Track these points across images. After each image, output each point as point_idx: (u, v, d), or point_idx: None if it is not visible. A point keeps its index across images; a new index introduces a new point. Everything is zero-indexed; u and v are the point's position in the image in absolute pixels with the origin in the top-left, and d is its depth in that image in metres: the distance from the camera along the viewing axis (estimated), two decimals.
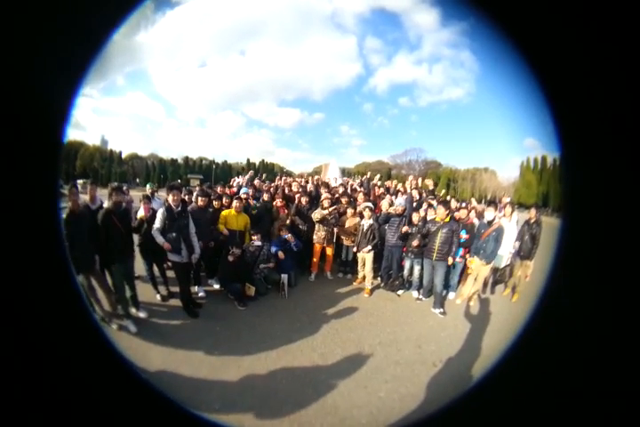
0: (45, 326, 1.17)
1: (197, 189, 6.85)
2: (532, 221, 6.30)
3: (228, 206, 6.13)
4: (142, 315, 4.82)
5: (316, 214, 6.51)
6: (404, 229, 6.13)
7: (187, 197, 5.96)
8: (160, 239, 4.79)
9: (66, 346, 1.23)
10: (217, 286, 5.94)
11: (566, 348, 1.16)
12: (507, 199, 7.89)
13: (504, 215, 6.31)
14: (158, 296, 5.38)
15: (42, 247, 1.18)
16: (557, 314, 1.22)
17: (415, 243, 6.00)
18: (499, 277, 6.66)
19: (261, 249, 5.94)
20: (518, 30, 1.17)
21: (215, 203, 6.04)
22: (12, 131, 1.02)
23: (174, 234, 4.84)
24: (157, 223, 4.81)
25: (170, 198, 4.96)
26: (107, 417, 1.24)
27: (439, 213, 5.89)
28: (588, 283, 1.13)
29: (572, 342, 1.15)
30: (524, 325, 1.33)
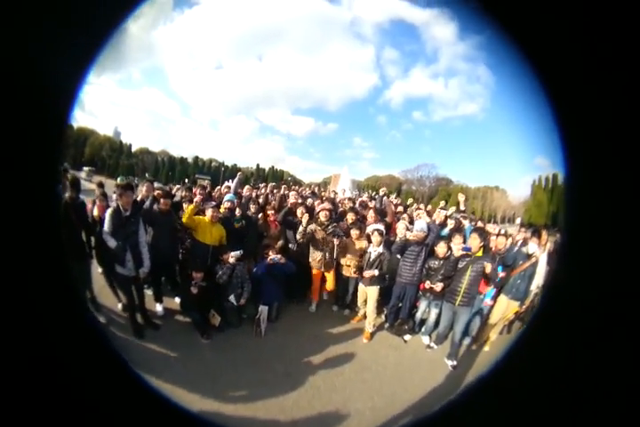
0: (40, 318, 1.16)
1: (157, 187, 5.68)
2: (558, 247, 5.13)
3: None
4: (102, 320, 4.27)
5: (299, 232, 5.42)
6: (438, 287, 4.76)
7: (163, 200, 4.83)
8: (112, 243, 4.19)
9: (61, 341, 1.22)
10: None
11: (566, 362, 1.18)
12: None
13: (540, 245, 5.15)
14: (120, 305, 4.63)
15: (41, 234, 1.17)
16: (557, 325, 1.22)
17: (438, 287, 4.70)
18: (522, 315, 5.47)
19: (234, 269, 4.75)
20: (530, 46, 1.19)
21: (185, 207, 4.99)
22: (17, 113, 1.03)
23: (120, 242, 4.22)
24: (106, 226, 4.21)
25: (121, 200, 4.27)
26: (104, 417, 1.24)
27: (472, 245, 4.63)
28: (588, 296, 1.15)
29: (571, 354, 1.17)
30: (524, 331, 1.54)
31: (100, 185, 5.21)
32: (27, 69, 1.02)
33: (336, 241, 5.28)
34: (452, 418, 1.48)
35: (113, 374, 1.41)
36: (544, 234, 5.32)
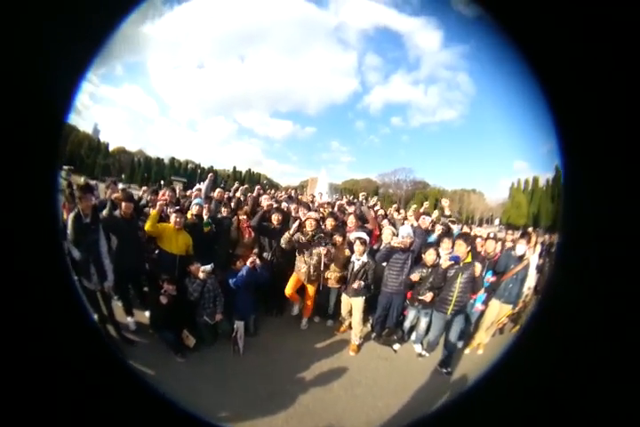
0: (45, 321, 1.18)
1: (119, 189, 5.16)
2: (554, 249, 5.03)
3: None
4: None
5: (285, 238, 4.82)
6: (414, 277, 4.53)
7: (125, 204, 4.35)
8: (76, 253, 3.78)
9: (64, 343, 1.24)
10: None
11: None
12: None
13: (529, 246, 4.98)
14: (95, 316, 4.00)
15: (42, 234, 1.20)
16: (553, 327, 1.26)
17: (427, 298, 4.43)
18: (514, 317, 5.31)
19: (205, 284, 4.33)
20: (521, 49, 1.23)
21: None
22: (15, 117, 1.04)
23: (82, 253, 3.82)
24: (68, 234, 3.77)
25: (80, 204, 3.88)
26: (106, 417, 1.26)
27: (459, 252, 4.35)
28: (585, 297, 1.18)
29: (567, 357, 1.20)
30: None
31: (69, 185, 4.68)
32: (25, 71, 1.04)
33: (323, 250, 4.80)
34: (449, 423, 1.50)
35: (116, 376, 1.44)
36: (533, 235, 5.18)
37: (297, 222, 4.84)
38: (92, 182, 6.05)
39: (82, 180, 6.16)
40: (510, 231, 5.79)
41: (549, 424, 1.26)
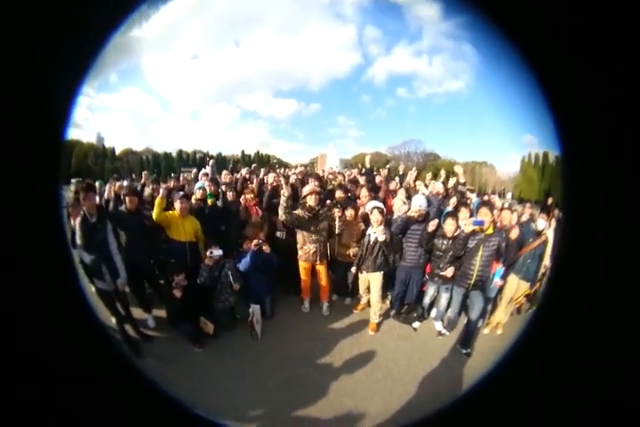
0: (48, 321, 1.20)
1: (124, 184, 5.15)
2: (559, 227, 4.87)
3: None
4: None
5: (281, 208, 4.39)
6: (432, 225, 4.26)
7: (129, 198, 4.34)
8: (86, 257, 3.80)
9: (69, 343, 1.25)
10: None
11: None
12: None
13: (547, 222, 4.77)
14: (113, 319, 4.12)
15: (44, 245, 1.20)
16: (557, 307, 1.25)
17: (449, 273, 4.22)
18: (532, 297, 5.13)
19: (223, 267, 4.25)
20: (517, 25, 1.20)
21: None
22: (13, 131, 1.05)
23: (93, 254, 3.84)
24: (78, 238, 3.79)
25: (85, 205, 3.84)
26: (108, 417, 1.26)
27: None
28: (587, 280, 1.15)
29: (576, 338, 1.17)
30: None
31: (76, 192, 4.71)
32: (21, 84, 1.04)
33: (338, 212, 4.56)
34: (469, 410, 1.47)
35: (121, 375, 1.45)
36: (552, 210, 4.96)
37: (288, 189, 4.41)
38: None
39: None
40: (528, 205, 5.55)
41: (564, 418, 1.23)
